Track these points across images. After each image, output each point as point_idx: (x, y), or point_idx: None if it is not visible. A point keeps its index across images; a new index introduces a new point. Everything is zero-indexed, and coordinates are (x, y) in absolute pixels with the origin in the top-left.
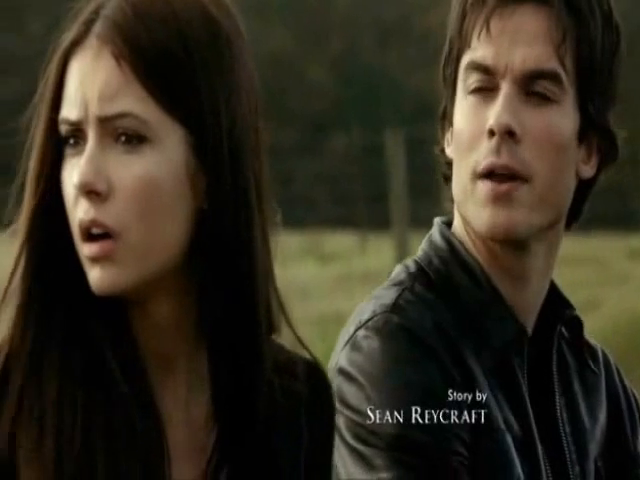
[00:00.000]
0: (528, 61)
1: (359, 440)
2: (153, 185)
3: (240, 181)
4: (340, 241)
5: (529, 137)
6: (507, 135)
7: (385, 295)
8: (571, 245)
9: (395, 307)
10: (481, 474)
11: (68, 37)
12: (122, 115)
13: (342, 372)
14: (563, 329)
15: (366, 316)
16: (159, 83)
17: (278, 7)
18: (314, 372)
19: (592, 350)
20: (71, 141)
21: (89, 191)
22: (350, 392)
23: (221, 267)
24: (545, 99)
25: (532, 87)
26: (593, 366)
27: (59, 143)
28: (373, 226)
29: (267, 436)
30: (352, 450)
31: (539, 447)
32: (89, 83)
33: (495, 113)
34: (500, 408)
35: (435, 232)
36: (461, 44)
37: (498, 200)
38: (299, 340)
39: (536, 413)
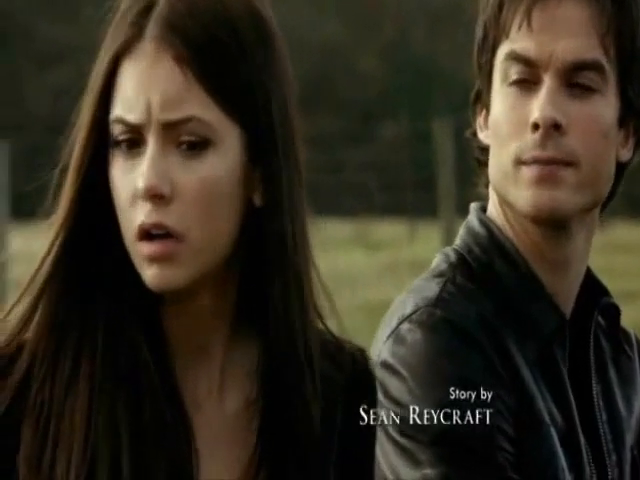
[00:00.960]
0: (571, 53)
1: (403, 434)
2: (214, 187)
3: (291, 173)
4: (389, 229)
5: (574, 128)
6: (552, 128)
7: (427, 287)
8: (626, 233)
9: (438, 300)
10: (526, 468)
11: (118, 37)
12: (187, 120)
13: (385, 365)
14: (599, 317)
15: (409, 310)
16: (219, 84)
17: None
18: (357, 360)
19: (627, 335)
20: (123, 144)
21: (153, 195)
22: (393, 385)
23: (269, 257)
24: (588, 90)
25: (575, 78)
26: (629, 350)
27: (103, 140)
28: (421, 214)
29: (307, 423)
30: (396, 444)
31: (582, 438)
32: (150, 87)
33: (539, 107)
34: (544, 400)
35: (473, 219)
36: (498, 33)
37: (543, 182)
38: (328, 332)
39: (574, 401)
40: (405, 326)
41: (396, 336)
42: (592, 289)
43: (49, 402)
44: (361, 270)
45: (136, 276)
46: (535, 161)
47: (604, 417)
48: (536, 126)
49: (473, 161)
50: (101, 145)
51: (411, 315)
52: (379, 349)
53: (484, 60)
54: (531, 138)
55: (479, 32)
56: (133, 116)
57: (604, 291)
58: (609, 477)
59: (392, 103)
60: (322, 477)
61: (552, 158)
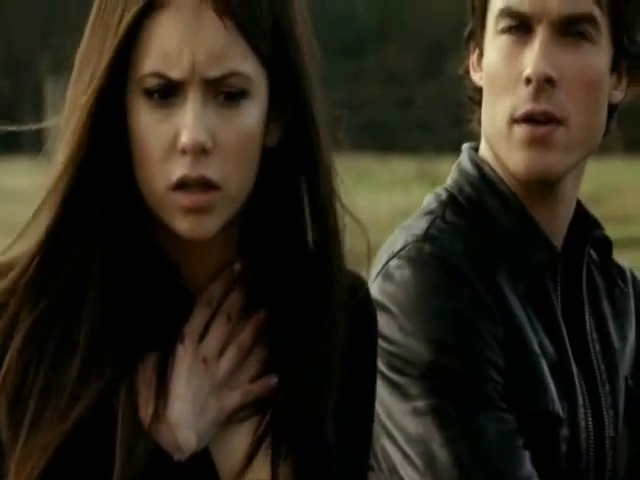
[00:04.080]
0: (565, 6)
1: (393, 369)
2: (249, 137)
3: (308, 113)
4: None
5: (566, 80)
6: (545, 82)
7: (416, 225)
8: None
9: (427, 236)
10: (515, 399)
11: None
12: (230, 75)
13: (375, 302)
14: (592, 250)
15: (398, 246)
16: (257, 35)
17: None
18: (355, 285)
19: (620, 270)
20: (155, 93)
21: (199, 150)
22: (383, 322)
23: (279, 196)
24: (581, 38)
25: (568, 29)
26: (622, 285)
27: (118, 86)
28: None
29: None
30: (386, 380)
31: (574, 369)
32: (194, 42)
33: (532, 61)
34: (535, 332)
35: (464, 158)
36: None
37: (535, 143)
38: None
39: (567, 334)
40: (394, 262)
41: (385, 273)
42: (583, 222)
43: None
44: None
45: (139, 215)
46: (528, 117)
47: (597, 348)
48: (529, 80)
49: (466, 99)
50: (116, 90)
51: (400, 251)
52: (370, 287)
53: (478, 3)
54: (524, 92)
55: None
56: (176, 72)
57: (596, 224)
58: (602, 406)
59: (462, 38)
60: (324, 400)
61: (544, 112)
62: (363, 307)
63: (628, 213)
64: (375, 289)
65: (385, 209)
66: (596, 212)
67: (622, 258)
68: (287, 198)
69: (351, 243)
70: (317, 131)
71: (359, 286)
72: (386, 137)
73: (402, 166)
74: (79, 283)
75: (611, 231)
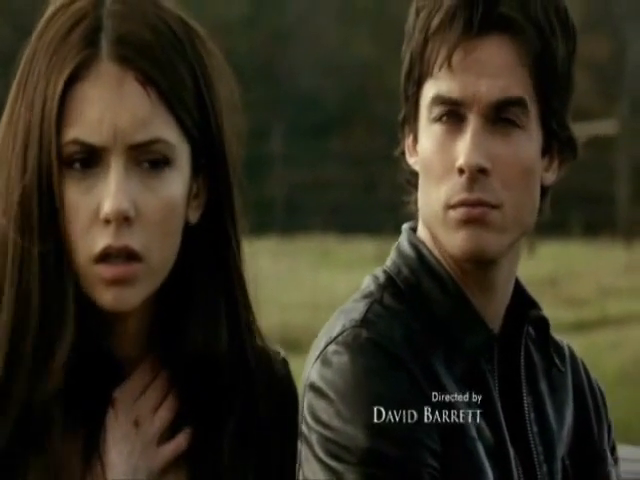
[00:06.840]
0: (495, 92)
1: (331, 456)
2: (172, 207)
3: (230, 191)
4: None
5: (498, 169)
6: (478, 172)
7: (354, 309)
8: None
9: (364, 321)
10: None
11: (68, 58)
12: (153, 142)
13: (313, 387)
14: (530, 329)
15: (336, 331)
16: (178, 103)
17: (362, 14)
18: (275, 364)
19: (558, 347)
20: (77, 163)
21: (122, 218)
22: (321, 407)
23: (196, 272)
24: (512, 125)
25: (499, 115)
26: (560, 364)
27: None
28: None
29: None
30: (324, 466)
31: (511, 451)
32: (117, 110)
33: (464, 152)
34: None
35: (403, 240)
36: (423, 70)
37: (470, 224)
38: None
39: (505, 414)
40: (331, 348)
41: (323, 358)
42: (522, 302)
43: None
44: None
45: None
46: (462, 204)
47: (535, 429)
48: (462, 171)
49: (402, 181)
50: (46, 167)
51: (337, 337)
52: (308, 371)
53: (410, 92)
54: (458, 182)
55: (405, 61)
56: (98, 139)
57: (533, 304)
58: None
59: None
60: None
61: (478, 200)
62: (282, 383)
63: (585, 296)
64: (314, 374)
65: (343, 289)
66: (553, 295)
67: (578, 341)
68: (204, 275)
69: (312, 323)
70: (233, 211)
71: (279, 363)
72: (349, 218)
73: (362, 247)
74: None
75: (568, 314)
